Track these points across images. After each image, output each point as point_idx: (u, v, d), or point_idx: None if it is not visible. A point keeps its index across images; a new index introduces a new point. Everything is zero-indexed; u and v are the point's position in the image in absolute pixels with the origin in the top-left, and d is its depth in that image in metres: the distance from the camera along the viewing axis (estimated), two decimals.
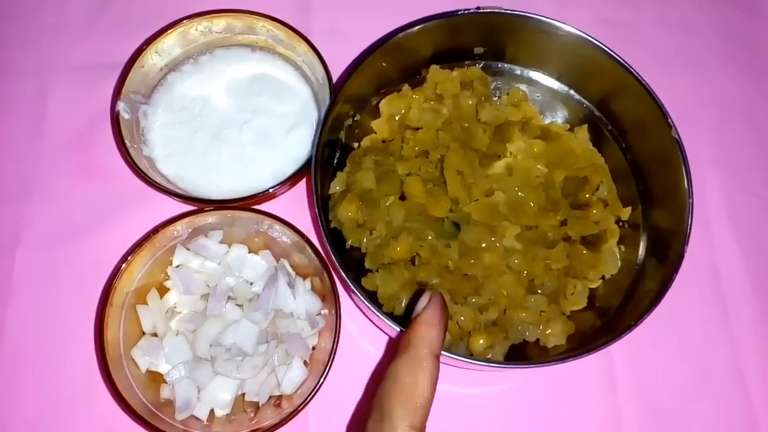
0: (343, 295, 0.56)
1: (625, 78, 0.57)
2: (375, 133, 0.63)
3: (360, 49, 0.62)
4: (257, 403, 0.53)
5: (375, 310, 0.49)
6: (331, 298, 0.53)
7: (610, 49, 0.57)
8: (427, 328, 0.39)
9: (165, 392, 0.53)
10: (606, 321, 0.56)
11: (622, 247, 0.59)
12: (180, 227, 0.55)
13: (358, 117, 0.62)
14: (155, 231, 0.53)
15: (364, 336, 0.59)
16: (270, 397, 0.53)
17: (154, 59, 0.61)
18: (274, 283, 0.54)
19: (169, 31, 0.61)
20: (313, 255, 0.54)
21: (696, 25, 0.75)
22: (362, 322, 0.59)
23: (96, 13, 0.70)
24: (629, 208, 0.60)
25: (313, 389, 0.50)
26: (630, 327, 0.50)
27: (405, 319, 0.50)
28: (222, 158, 0.61)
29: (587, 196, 0.59)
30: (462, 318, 0.54)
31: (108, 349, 0.50)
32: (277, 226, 0.55)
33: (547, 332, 0.55)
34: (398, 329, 0.49)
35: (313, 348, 0.55)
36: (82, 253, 0.60)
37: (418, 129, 0.61)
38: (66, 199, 0.62)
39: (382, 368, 0.58)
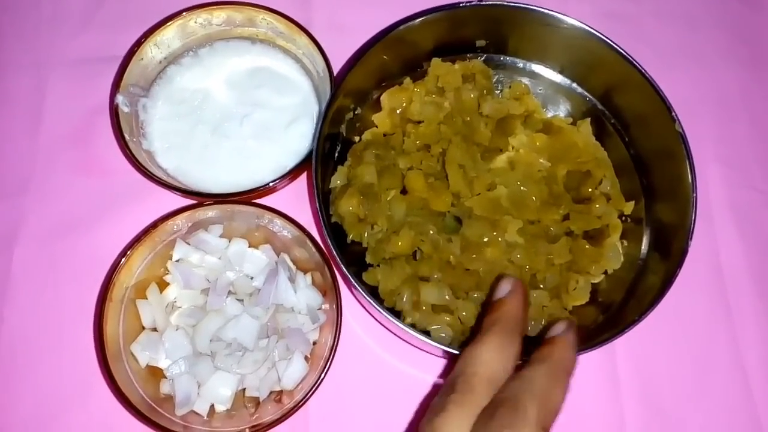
0: (344, 290, 0.56)
1: (628, 71, 0.57)
2: (376, 126, 0.62)
3: (361, 41, 0.61)
4: (258, 398, 0.53)
5: (376, 305, 0.49)
6: (332, 293, 0.53)
7: (613, 42, 0.57)
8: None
9: (165, 387, 0.52)
10: (608, 316, 0.56)
11: (625, 242, 0.59)
12: (180, 221, 0.54)
13: (359, 110, 0.62)
14: (155, 225, 0.53)
15: (365, 331, 0.59)
16: (270, 392, 0.53)
17: (153, 52, 0.61)
18: (275, 278, 0.54)
19: (169, 24, 0.60)
20: (313, 249, 0.54)
21: (698, 19, 0.75)
22: (363, 317, 0.59)
23: (94, 6, 0.70)
24: (632, 203, 0.59)
25: (314, 384, 0.50)
26: (633, 322, 0.49)
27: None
28: (222, 152, 0.61)
29: (590, 190, 0.59)
30: (464, 313, 0.54)
31: (107, 344, 0.50)
32: (278, 221, 0.55)
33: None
34: (398, 324, 0.48)
35: (314, 343, 0.55)
36: (81, 248, 0.60)
37: (419, 122, 0.61)
38: (65, 193, 0.62)
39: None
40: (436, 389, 0.57)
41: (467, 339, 0.54)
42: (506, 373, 0.39)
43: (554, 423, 0.37)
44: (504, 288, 0.44)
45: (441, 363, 0.58)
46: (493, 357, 0.39)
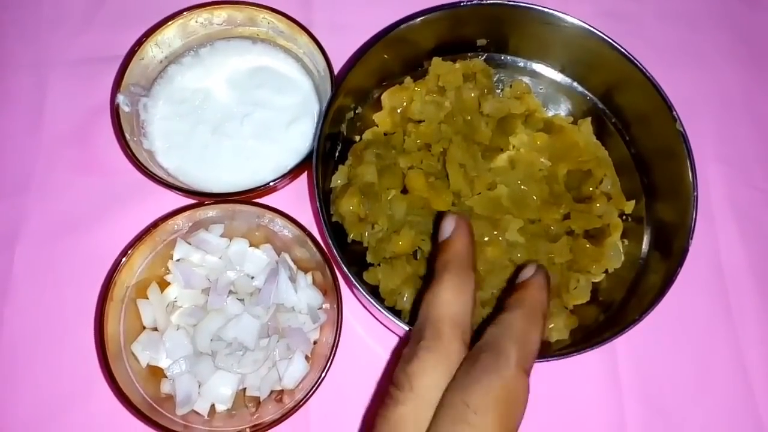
0: (345, 290, 0.56)
1: (629, 70, 0.56)
2: (377, 125, 0.62)
3: (361, 41, 0.61)
4: (258, 397, 0.53)
5: (377, 305, 0.49)
6: (332, 293, 0.53)
7: (614, 41, 0.57)
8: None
9: (165, 387, 0.52)
10: (609, 315, 0.56)
11: (626, 241, 0.59)
12: (180, 221, 0.54)
13: (359, 110, 0.62)
14: (155, 225, 0.53)
15: (365, 330, 0.59)
16: (271, 391, 0.53)
17: (154, 51, 0.61)
18: (276, 277, 0.54)
19: (169, 23, 0.60)
20: (314, 249, 0.54)
21: (699, 18, 0.75)
22: (364, 317, 0.59)
23: (95, 6, 0.70)
24: (633, 202, 0.59)
25: (315, 384, 0.50)
26: (634, 321, 0.49)
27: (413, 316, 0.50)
28: (223, 151, 0.61)
29: (590, 189, 0.59)
30: None
31: (108, 343, 0.50)
32: (279, 220, 0.55)
33: (550, 326, 0.55)
34: (399, 323, 0.48)
35: (315, 342, 0.55)
36: (82, 248, 0.60)
37: (420, 122, 0.61)
38: (66, 192, 0.62)
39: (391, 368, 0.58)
40: None
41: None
42: (468, 309, 0.40)
43: (533, 364, 0.38)
44: (448, 227, 0.44)
45: None
46: (452, 298, 0.40)
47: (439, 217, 0.56)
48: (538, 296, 0.42)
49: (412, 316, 0.54)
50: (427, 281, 0.55)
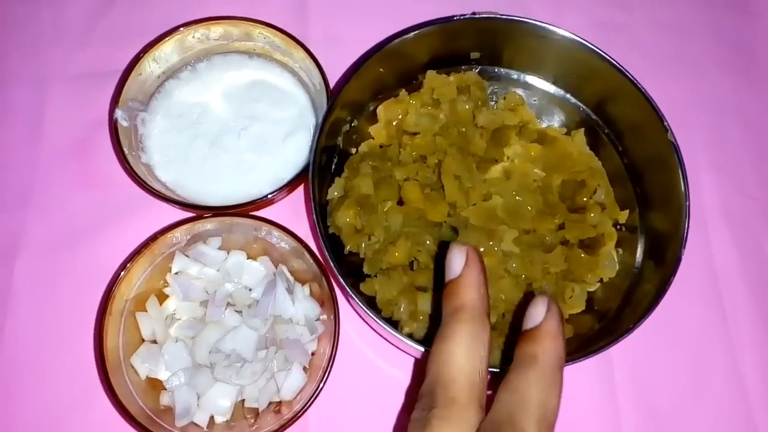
0: (342, 301, 0.56)
1: (620, 81, 0.57)
2: (372, 138, 0.63)
3: (357, 55, 0.62)
4: (257, 409, 0.53)
5: (373, 316, 0.49)
6: (329, 304, 0.53)
7: (605, 53, 0.57)
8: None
9: (165, 399, 0.52)
10: (605, 324, 0.56)
11: (620, 250, 0.60)
12: (179, 234, 0.55)
13: (355, 122, 0.62)
14: (154, 238, 0.53)
15: (363, 341, 0.59)
16: (269, 403, 0.53)
17: (151, 66, 0.61)
18: (273, 289, 0.54)
19: (167, 39, 0.61)
20: (311, 261, 0.54)
21: (690, 28, 0.75)
22: (361, 328, 0.59)
23: (93, 22, 0.70)
24: (626, 211, 0.60)
25: (313, 395, 0.50)
26: (629, 330, 0.50)
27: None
28: (220, 165, 0.62)
29: (584, 199, 0.59)
30: None
31: (107, 356, 0.50)
32: (276, 232, 0.55)
33: None
34: (396, 334, 0.49)
35: (313, 354, 0.55)
36: (81, 261, 0.60)
37: (415, 134, 0.61)
38: (64, 206, 0.62)
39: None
40: None
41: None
42: (484, 366, 0.35)
43: (555, 427, 0.35)
44: (457, 262, 0.38)
45: None
46: (466, 355, 0.35)
47: (438, 225, 0.58)
48: (554, 349, 0.35)
49: (409, 326, 0.55)
50: (424, 288, 0.55)
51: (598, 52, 0.57)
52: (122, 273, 0.52)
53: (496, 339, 0.54)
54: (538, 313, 0.37)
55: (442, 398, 0.34)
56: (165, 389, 0.53)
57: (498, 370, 0.45)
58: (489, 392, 0.35)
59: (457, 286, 0.38)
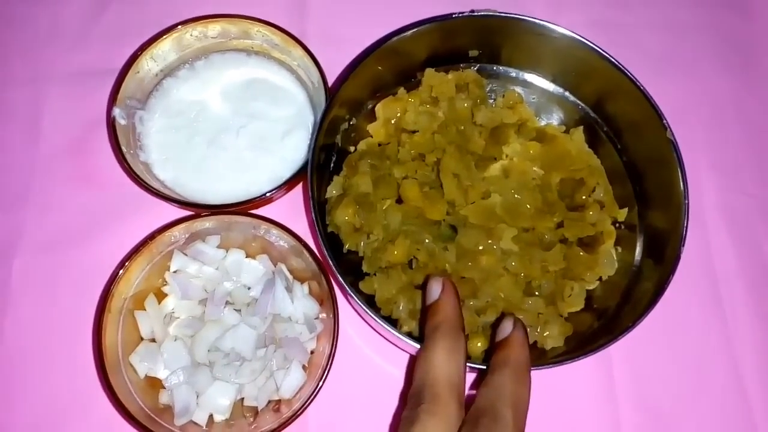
0: (341, 299, 0.56)
1: (619, 79, 0.57)
2: (371, 136, 0.63)
3: (355, 53, 0.62)
4: (256, 407, 0.53)
5: (372, 314, 0.49)
6: (328, 302, 0.53)
7: (604, 51, 0.57)
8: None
9: (164, 398, 0.52)
10: (604, 322, 0.56)
11: (619, 249, 0.60)
12: (177, 232, 0.55)
13: (354, 121, 0.62)
14: (152, 237, 0.53)
15: (362, 339, 0.59)
16: (269, 401, 0.53)
17: (149, 65, 0.61)
18: (272, 288, 0.54)
19: (164, 37, 0.61)
20: (310, 259, 0.54)
21: (688, 27, 0.75)
22: (360, 326, 0.59)
23: (91, 21, 0.70)
24: (625, 210, 0.60)
25: (312, 393, 0.50)
26: (628, 328, 0.50)
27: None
28: (218, 163, 0.61)
29: (583, 197, 0.59)
30: None
31: (106, 355, 0.50)
32: (274, 231, 0.55)
33: (545, 334, 0.55)
34: (395, 332, 0.49)
35: (312, 352, 0.55)
36: (80, 260, 0.60)
37: (414, 132, 0.61)
38: (63, 206, 0.62)
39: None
40: None
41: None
42: (461, 370, 0.43)
43: (526, 420, 0.42)
44: (435, 289, 0.47)
45: None
46: (446, 360, 0.43)
47: (437, 223, 0.58)
48: (521, 353, 0.45)
49: (408, 324, 0.55)
50: (423, 288, 0.55)
51: (596, 50, 0.57)
52: (121, 272, 0.52)
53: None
54: (506, 327, 0.46)
55: (428, 396, 0.41)
56: (164, 388, 0.52)
57: (486, 366, 0.46)
58: (473, 392, 0.42)
59: (437, 306, 0.47)
